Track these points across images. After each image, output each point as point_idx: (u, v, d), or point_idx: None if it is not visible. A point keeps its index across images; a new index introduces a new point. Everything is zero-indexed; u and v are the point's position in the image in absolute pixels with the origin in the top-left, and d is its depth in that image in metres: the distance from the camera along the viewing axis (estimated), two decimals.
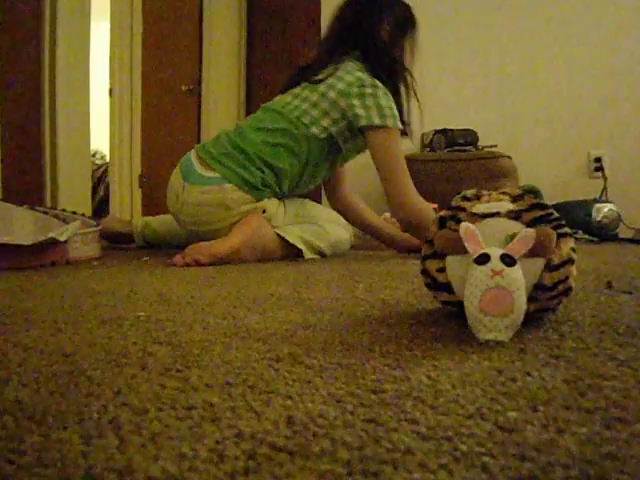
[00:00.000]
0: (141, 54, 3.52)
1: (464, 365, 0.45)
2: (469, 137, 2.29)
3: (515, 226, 0.56)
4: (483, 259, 0.52)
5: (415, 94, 1.50)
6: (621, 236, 2.03)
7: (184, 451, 0.29)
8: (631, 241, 1.94)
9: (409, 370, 0.43)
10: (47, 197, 2.27)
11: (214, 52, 3.02)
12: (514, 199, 0.59)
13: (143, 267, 1.24)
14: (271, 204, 1.38)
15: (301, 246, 1.36)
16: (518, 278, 0.51)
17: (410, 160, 2.24)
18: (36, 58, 2.25)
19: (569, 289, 0.58)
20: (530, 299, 0.54)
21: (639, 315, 0.64)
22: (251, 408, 0.36)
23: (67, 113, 2.31)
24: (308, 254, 1.38)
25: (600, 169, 2.47)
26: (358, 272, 1.09)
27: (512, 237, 0.54)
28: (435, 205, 1.67)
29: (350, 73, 1.39)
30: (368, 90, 1.37)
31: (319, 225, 1.44)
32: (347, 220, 1.66)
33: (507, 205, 0.58)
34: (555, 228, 0.56)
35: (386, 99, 1.38)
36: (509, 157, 2.21)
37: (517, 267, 0.51)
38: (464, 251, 0.55)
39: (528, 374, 0.42)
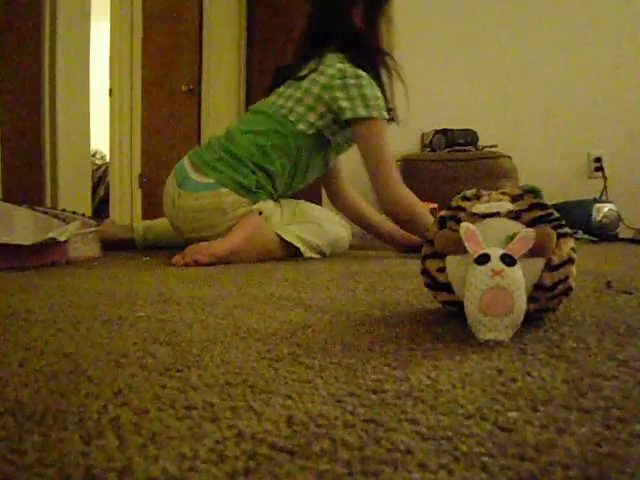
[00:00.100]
0: (141, 54, 3.52)
1: (464, 365, 0.45)
2: (469, 137, 2.29)
3: (515, 226, 0.56)
4: (483, 259, 0.52)
5: (399, 76, 1.50)
6: (621, 236, 2.03)
7: (184, 451, 0.29)
8: (631, 241, 1.94)
9: (409, 370, 0.43)
10: (47, 197, 2.27)
11: (214, 52, 3.02)
12: (514, 199, 0.59)
13: (143, 267, 1.24)
14: (267, 205, 1.38)
15: (299, 244, 1.36)
16: (518, 278, 0.51)
17: (410, 160, 2.25)
18: (36, 58, 2.25)
19: (569, 289, 0.58)
20: (530, 299, 0.54)
21: (639, 315, 0.64)
22: (251, 408, 0.36)
23: (67, 113, 2.31)
24: (307, 252, 1.38)
25: (600, 169, 2.47)
26: (358, 272, 1.09)
27: (512, 237, 0.54)
28: (435, 205, 1.67)
29: (331, 66, 1.39)
30: (351, 81, 1.36)
31: (317, 224, 1.45)
32: (349, 218, 1.67)
33: (507, 205, 0.58)
34: (555, 228, 0.56)
35: (371, 88, 1.37)
36: (509, 157, 2.21)
37: (517, 267, 0.51)
38: (464, 251, 0.55)
39: (528, 374, 0.42)
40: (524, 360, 0.46)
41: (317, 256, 1.42)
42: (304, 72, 1.42)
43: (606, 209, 2.01)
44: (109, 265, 1.29)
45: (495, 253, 0.52)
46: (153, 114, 3.48)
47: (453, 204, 0.62)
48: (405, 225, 1.45)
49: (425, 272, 0.62)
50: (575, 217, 1.98)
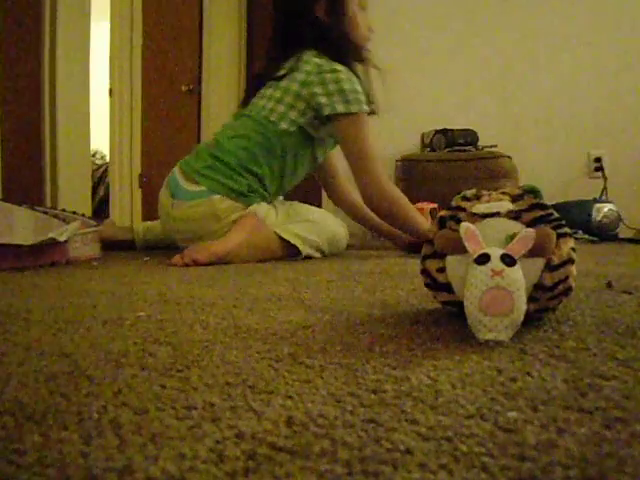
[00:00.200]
0: (141, 54, 3.52)
1: (464, 365, 0.45)
2: (469, 137, 2.29)
3: (515, 226, 0.56)
4: (483, 259, 0.52)
5: (374, 66, 1.49)
6: (621, 236, 2.03)
7: (184, 451, 0.29)
8: (631, 241, 1.94)
9: (409, 370, 0.43)
10: (47, 197, 2.27)
11: (214, 52, 3.02)
12: (514, 199, 0.59)
13: (143, 267, 1.24)
14: (261, 208, 1.38)
15: (296, 241, 1.36)
16: (518, 278, 0.51)
17: (410, 160, 2.25)
18: (36, 58, 2.25)
19: (569, 289, 0.58)
20: (530, 299, 0.54)
21: (639, 315, 0.64)
22: (251, 408, 0.36)
23: (67, 113, 2.31)
24: (305, 250, 1.38)
25: (600, 169, 2.47)
26: (358, 272, 1.09)
27: (512, 237, 0.54)
28: (435, 205, 1.67)
29: (308, 62, 1.39)
30: (328, 75, 1.35)
31: (313, 222, 1.45)
32: (349, 217, 1.68)
33: (507, 205, 0.58)
34: (555, 228, 0.56)
35: (349, 83, 1.36)
36: (509, 157, 2.21)
37: (517, 267, 0.51)
38: (464, 251, 0.55)
39: (528, 374, 0.42)
40: (524, 360, 0.46)
41: (316, 254, 1.42)
42: (283, 71, 1.42)
43: (606, 209, 2.01)
44: (109, 265, 1.29)
45: (495, 253, 0.52)
46: (153, 114, 3.48)
47: (453, 204, 0.62)
48: (389, 220, 1.45)
49: (425, 272, 0.62)
50: (575, 217, 1.98)
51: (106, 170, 4.02)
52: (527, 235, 0.54)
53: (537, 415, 0.34)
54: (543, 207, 0.58)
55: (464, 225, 0.56)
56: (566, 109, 2.51)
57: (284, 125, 1.38)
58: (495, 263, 0.51)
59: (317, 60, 1.38)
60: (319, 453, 0.29)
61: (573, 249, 0.58)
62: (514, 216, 0.57)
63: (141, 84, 3.54)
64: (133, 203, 3.59)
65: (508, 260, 0.51)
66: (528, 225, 0.56)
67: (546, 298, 0.56)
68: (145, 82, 3.52)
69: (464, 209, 0.60)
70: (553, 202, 1.99)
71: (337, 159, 1.64)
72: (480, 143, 2.31)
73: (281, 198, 1.57)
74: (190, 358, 0.48)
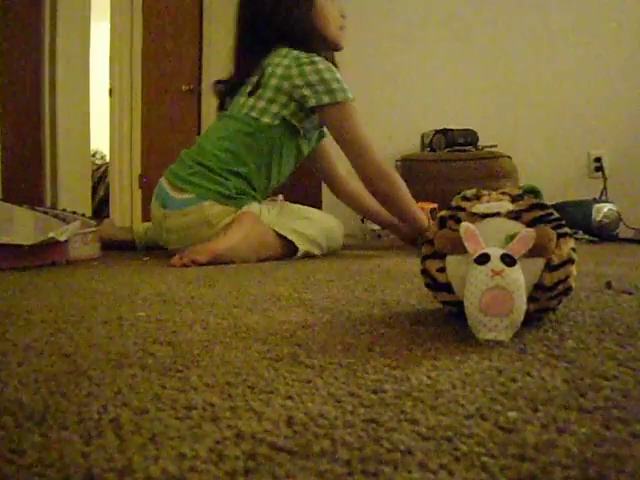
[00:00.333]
0: (141, 54, 3.52)
1: (464, 365, 0.45)
2: (469, 137, 2.29)
3: (515, 226, 0.56)
4: (483, 259, 0.52)
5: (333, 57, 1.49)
6: (621, 236, 2.03)
7: (184, 451, 0.29)
8: (631, 241, 1.93)
9: (409, 370, 0.43)
10: (47, 197, 2.27)
11: (214, 52, 3.02)
12: (514, 199, 0.59)
13: (143, 267, 1.24)
14: (252, 208, 1.38)
15: (292, 237, 1.36)
16: (518, 278, 0.51)
17: (410, 160, 2.25)
18: (36, 58, 2.25)
19: (569, 289, 0.58)
20: (530, 299, 0.54)
21: (639, 315, 0.64)
22: (251, 408, 0.36)
23: (67, 113, 2.31)
24: (303, 245, 1.38)
25: (600, 169, 2.47)
26: (358, 272, 1.09)
27: (512, 237, 0.54)
28: (435, 205, 1.67)
29: (285, 56, 1.38)
30: (307, 67, 1.35)
31: (308, 218, 1.46)
32: (350, 207, 1.70)
33: (507, 205, 0.58)
34: (555, 228, 0.56)
35: (330, 72, 1.36)
36: (509, 157, 2.21)
37: (517, 267, 0.51)
38: (464, 251, 0.55)
39: (528, 374, 0.42)
40: (524, 360, 0.46)
41: (314, 249, 1.41)
42: (261, 69, 1.41)
43: (606, 209, 2.01)
44: (109, 265, 1.29)
45: (495, 253, 0.52)
46: (153, 114, 3.48)
47: (453, 204, 0.62)
48: (387, 203, 1.45)
49: (425, 272, 0.62)
50: (575, 217, 1.98)
51: (106, 170, 4.01)
52: (527, 235, 0.54)
53: (537, 415, 0.34)
54: (543, 207, 0.58)
55: (464, 225, 0.56)
56: (566, 109, 2.52)
57: (267, 119, 1.38)
58: (495, 263, 0.51)
59: (294, 52, 1.38)
60: (319, 453, 0.29)
61: (573, 249, 0.58)
62: (514, 216, 0.57)
63: (141, 84, 3.54)
64: (133, 203, 3.59)
65: (508, 260, 0.51)
66: (528, 225, 0.56)
67: (546, 298, 0.56)
68: (145, 82, 3.52)
69: (464, 209, 0.60)
70: (553, 202, 1.99)
71: (333, 150, 1.63)
72: (480, 143, 2.31)
73: (280, 197, 1.57)
74: (190, 358, 0.48)
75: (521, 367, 0.44)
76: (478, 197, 0.61)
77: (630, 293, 0.78)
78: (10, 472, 0.27)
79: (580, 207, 2.04)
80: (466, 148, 2.26)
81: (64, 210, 1.52)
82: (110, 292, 0.86)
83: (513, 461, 0.28)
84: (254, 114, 1.38)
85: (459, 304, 0.56)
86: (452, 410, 0.35)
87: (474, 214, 0.58)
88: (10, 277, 1.06)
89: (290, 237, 1.36)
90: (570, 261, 0.57)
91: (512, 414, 0.34)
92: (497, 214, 0.57)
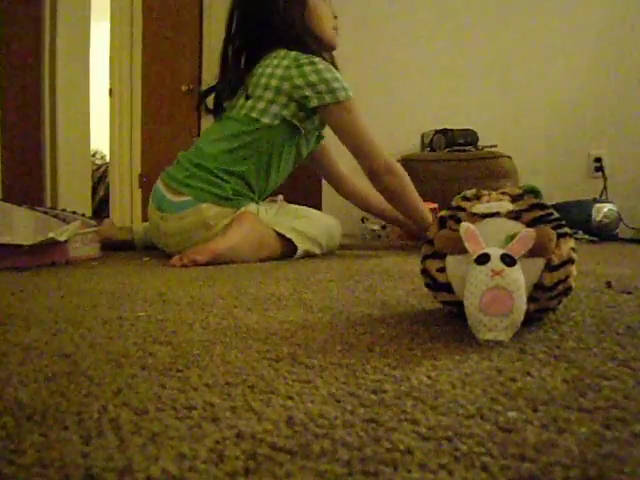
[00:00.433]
0: (141, 54, 3.52)
1: (464, 365, 0.45)
2: (469, 137, 2.29)
3: (515, 226, 0.56)
4: (483, 259, 0.52)
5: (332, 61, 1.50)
6: (621, 236, 2.03)
7: (184, 451, 0.29)
8: (631, 241, 1.94)
9: (409, 370, 0.43)
10: (47, 197, 2.27)
11: (214, 52, 3.01)
12: (514, 199, 0.59)
13: (143, 267, 1.24)
14: (250, 209, 1.38)
15: (291, 235, 1.36)
16: (518, 278, 0.51)
17: (410, 160, 2.25)
18: (36, 58, 2.25)
19: (569, 289, 0.58)
20: (530, 299, 0.54)
21: (639, 315, 0.64)
22: (251, 408, 0.36)
23: (67, 113, 2.31)
24: (302, 243, 1.38)
25: (600, 169, 2.47)
26: (358, 272, 1.09)
27: (512, 237, 0.54)
28: (435, 205, 1.67)
29: (284, 57, 1.38)
30: (307, 67, 1.35)
31: (306, 217, 1.46)
32: (355, 205, 1.71)
33: (507, 205, 0.58)
34: (555, 228, 0.56)
35: (329, 72, 1.36)
36: (509, 157, 2.21)
37: (517, 267, 0.51)
38: (464, 251, 0.55)
39: (528, 374, 0.42)
40: (524, 360, 0.46)
41: (314, 248, 1.41)
42: (260, 69, 1.40)
43: (606, 209, 2.01)
44: (109, 265, 1.29)
45: (495, 253, 0.52)
46: (153, 114, 3.48)
47: (453, 204, 0.62)
48: (394, 200, 1.45)
49: (425, 272, 0.62)
50: (575, 217, 1.98)
51: (106, 170, 4.02)
52: (527, 235, 0.54)
53: (537, 415, 0.34)
54: (543, 207, 0.58)
55: (464, 225, 0.56)
56: (566, 109, 2.52)
57: (266, 120, 1.38)
58: (495, 263, 0.51)
59: (293, 54, 1.38)
60: (319, 453, 0.29)
61: (573, 249, 0.58)
62: (514, 216, 0.57)
63: (141, 84, 3.54)
64: (133, 203, 3.59)
65: (508, 260, 0.51)
66: (528, 225, 0.56)
67: (546, 298, 0.56)
68: (145, 82, 3.52)
69: (464, 209, 0.60)
70: (553, 202, 1.99)
71: (333, 150, 1.64)
72: (480, 143, 2.31)
73: (280, 197, 1.57)
74: (190, 358, 0.48)
75: (521, 367, 0.44)
76: (478, 197, 0.61)
77: (630, 293, 0.78)
78: (10, 472, 0.27)
79: (580, 207, 2.04)
80: (466, 148, 2.26)
81: (64, 210, 1.52)
82: (110, 292, 0.86)
83: (513, 461, 0.28)
84: (254, 115, 1.38)
85: (459, 304, 0.56)
86: (452, 410, 0.35)
87: (474, 214, 0.58)
88: (10, 277, 1.06)
89: (289, 236, 1.36)
90: (570, 261, 0.57)
91: (512, 414, 0.34)
92: (497, 214, 0.57)
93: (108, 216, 3.50)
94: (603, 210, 2.01)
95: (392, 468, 0.27)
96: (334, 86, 1.35)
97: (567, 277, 0.56)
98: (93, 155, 4.27)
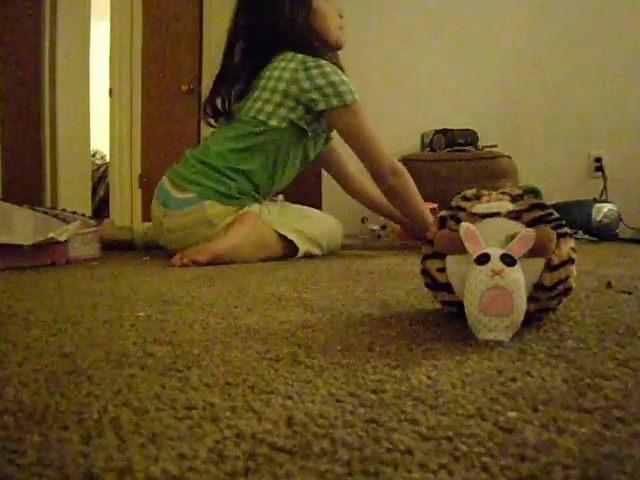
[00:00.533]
0: (141, 54, 3.52)
1: (464, 365, 0.45)
2: (469, 137, 2.29)
3: (515, 226, 0.56)
4: (483, 259, 0.52)
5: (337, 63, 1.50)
6: (621, 236, 2.03)
7: (184, 451, 0.29)
8: (631, 241, 1.94)
9: (409, 370, 0.43)
10: (47, 197, 2.27)
11: (214, 52, 3.01)
12: (514, 199, 0.59)
13: (143, 267, 1.24)
14: (254, 208, 1.38)
15: (292, 236, 1.36)
16: (518, 278, 0.51)
17: (410, 160, 2.25)
18: (36, 58, 2.25)
19: (569, 289, 0.58)
20: (530, 299, 0.54)
21: (639, 315, 0.64)
22: (251, 408, 0.36)
23: (67, 113, 2.31)
24: (303, 244, 1.38)
25: (600, 169, 2.47)
26: (358, 272, 1.09)
27: (512, 237, 0.54)
28: (435, 205, 1.67)
29: (292, 60, 1.39)
30: (314, 71, 1.36)
31: (308, 217, 1.47)
32: (362, 204, 1.73)
33: (507, 205, 0.58)
34: (555, 228, 0.56)
35: (337, 75, 1.37)
36: (509, 157, 2.21)
37: (517, 267, 0.51)
38: (464, 251, 0.55)
39: (528, 374, 0.42)
40: (524, 360, 0.46)
41: (314, 249, 1.42)
42: (268, 72, 1.41)
43: (606, 209, 2.01)
44: (109, 265, 1.29)
45: (495, 253, 0.52)
46: (153, 114, 3.48)
47: (453, 204, 0.62)
48: (398, 201, 1.47)
49: (425, 272, 0.62)
50: (575, 217, 1.98)
51: (106, 170, 4.02)
52: (527, 235, 0.54)
53: (537, 415, 0.34)
54: (543, 207, 0.58)
55: (464, 225, 0.56)
56: (566, 109, 2.51)
57: (274, 122, 1.38)
58: (495, 263, 0.51)
59: (300, 57, 1.38)
60: (319, 453, 0.29)
61: (573, 249, 0.58)
62: (514, 216, 0.57)
63: (141, 84, 3.54)
64: (133, 203, 3.59)
65: (508, 260, 0.51)
66: (528, 225, 0.56)
67: (546, 298, 0.56)
68: (145, 82, 3.52)
69: (464, 209, 0.60)
70: (553, 202, 1.99)
71: (342, 150, 1.65)
72: (480, 143, 2.31)
73: (281, 197, 1.57)
74: (190, 358, 0.48)
75: (521, 367, 0.44)
76: (478, 197, 0.61)
77: (630, 293, 0.78)
78: (10, 472, 0.27)
79: (580, 207, 2.04)
80: (466, 148, 2.26)
81: (64, 210, 1.52)
82: (110, 292, 0.86)
83: (513, 461, 0.28)
84: (262, 117, 1.39)
85: (459, 304, 0.56)
86: (452, 410, 0.35)
87: (474, 214, 0.58)
88: (10, 277, 1.06)
89: (290, 237, 1.36)
90: (570, 261, 0.57)
91: (512, 414, 0.34)
92: (497, 214, 0.57)
93: (108, 216, 3.50)
94: (603, 210, 2.01)
95: (392, 468, 0.27)
96: (341, 89, 1.35)
97: (567, 277, 0.56)
98: (93, 155, 4.27)
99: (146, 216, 3.29)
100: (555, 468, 0.27)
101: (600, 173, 2.46)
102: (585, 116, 2.51)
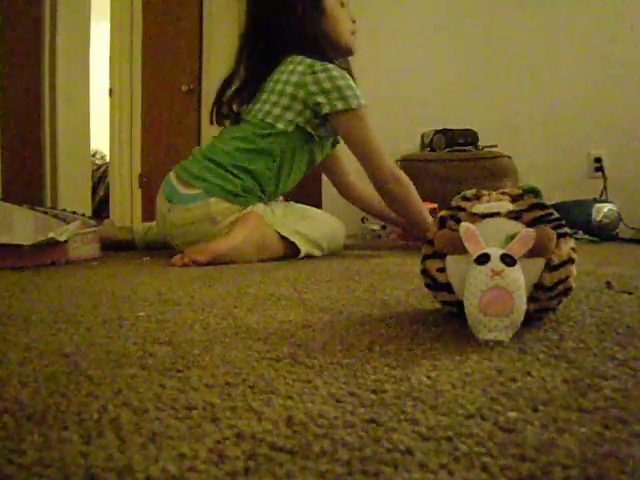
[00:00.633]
0: (141, 54, 3.52)
1: (464, 365, 0.45)
2: (469, 137, 2.29)
3: (515, 226, 0.56)
4: (483, 259, 0.52)
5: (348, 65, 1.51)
6: (621, 236, 2.03)
7: (184, 451, 0.29)
8: (631, 241, 1.93)
9: (409, 370, 0.43)
10: (47, 197, 2.27)
11: (214, 52, 3.02)
12: (514, 199, 0.59)
13: (143, 267, 1.24)
14: (257, 209, 1.38)
15: (295, 238, 1.37)
16: (518, 278, 0.51)
17: (410, 160, 2.25)
18: (36, 58, 2.25)
19: (569, 289, 0.58)
20: (530, 299, 0.54)
21: (639, 315, 0.64)
22: (251, 408, 0.36)
23: (67, 113, 2.31)
24: (305, 247, 1.38)
25: (600, 169, 2.47)
26: (358, 272, 1.09)
27: (512, 237, 0.54)
28: (435, 205, 1.67)
29: (300, 64, 1.39)
30: (322, 74, 1.36)
31: (311, 219, 1.46)
32: (361, 209, 1.73)
33: (507, 205, 0.58)
34: (555, 228, 0.56)
35: (343, 79, 1.37)
36: (509, 157, 2.21)
37: (517, 267, 0.51)
38: (464, 251, 0.55)
39: (528, 374, 0.42)
40: (524, 360, 0.46)
41: (315, 251, 1.42)
42: (276, 75, 1.42)
43: (606, 209, 2.01)
44: (109, 265, 1.29)
45: (495, 253, 0.52)
46: (153, 114, 3.48)
47: (453, 204, 0.62)
48: (400, 208, 1.47)
49: (425, 272, 0.62)
50: (575, 217, 1.98)
51: (106, 170, 4.02)
52: (527, 235, 0.54)
53: (537, 415, 0.34)
54: (543, 207, 0.58)
55: (464, 225, 0.56)
56: (566, 109, 2.51)
57: (281, 125, 1.39)
58: (495, 263, 0.51)
59: (308, 61, 1.39)
60: (319, 453, 0.29)
61: (573, 249, 0.58)
62: (514, 216, 0.57)
63: (141, 84, 3.54)
64: (133, 203, 3.59)
65: (508, 260, 0.51)
66: (528, 225, 0.56)
67: (546, 298, 0.56)
68: (145, 82, 3.52)
69: (464, 209, 0.60)
70: (553, 202, 1.99)
71: (342, 155, 1.65)
72: (480, 143, 2.31)
73: (280, 198, 1.57)
74: (190, 358, 0.48)
75: (521, 367, 0.44)
76: (478, 197, 0.61)
77: (630, 293, 0.78)
78: (10, 472, 0.27)
79: (580, 207, 2.04)
80: (466, 148, 2.26)
81: (64, 210, 1.52)
82: (110, 292, 0.86)
83: (513, 461, 0.28)
84: (269, 120, 1.40)
85: (459, 304, 0.56)
86: (452, 410, 0.35)
87: (474, 214, 0.58)
88: (10, 277, 1.06)
89: (292, 239, 1.37)
90: (570, 261, 0.57)
91: (512, 414, 0.34)
92: (497, 214, 0.57)
93: (108, 216, 3.50)
94: (603, 210, 2.01)
95: (392, 468, 0.27)
96: (347, 94, 1.36)
97: (567, 277, 0.56)
98: (93, 155, 4.27)
99: (146, 216, 3.29)
100: (555, 468, 0.27)
101: (600, 173, 2.46)
102: (585, 116, 2.51)
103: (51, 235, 1.20)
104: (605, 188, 2.42)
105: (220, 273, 1.10)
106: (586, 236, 1.95)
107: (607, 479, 0.26)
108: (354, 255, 1.51)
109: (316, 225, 1.45)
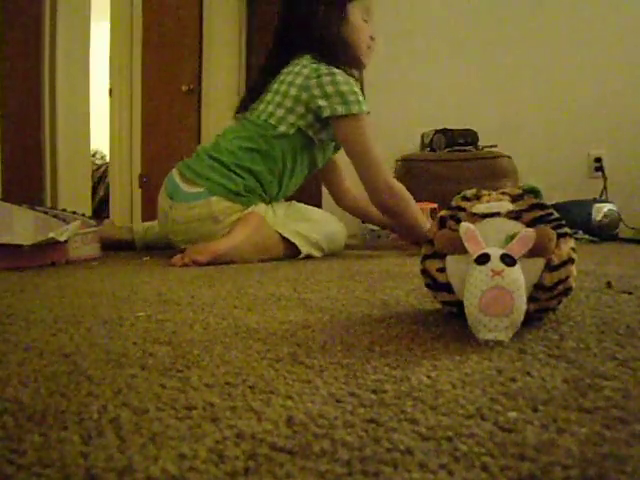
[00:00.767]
0: (141, 54, 3.52)
1: (464, 365, 0.45)
2: (469, 137, 2.29)
3: (515, 226, 0.56)
4: (483, 259, 0.52)
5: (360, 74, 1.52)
6: (621, 236, 2.03)
7: (184, 451, 0.29)
8: (631, 241, 1.93)
9: (409, 370, 0.43)
10: (47, 197, 2.27)
11: (214, 52, 3.01)
12: (514, 199, 0.59)
13: (143, 267, 1.24)
14: (259, 209, 1.38)
15: (295, 239, 1.37)
16: (518, 278, 0.51)
17: (410, 160, 2.25)
18: (36, 58, 2.25)
19: (569, 289, 0.58)
20: (530, 299, 0.54)
21: (639, 315, 0.64)
22: (251, 408, 0.36)
23: (67, 113, 2.31)
24: (305, 248, 1.38)
25: (600, 169, 2.47)
26: (358, 272, 1.09)
27: (512, 237, 0.54)
28: (435, 205, 1.67)
29: (306, 66, 1.40)
30: (326, 78, 1.36)
31: (312, 220, 1.46)
32: (355, 216, 1.73)
33: (507, 205, 0.58)
34: (555, 228, 0.56)
35: (347, 85, 1.37)
36: (509, 157, 2.21)
37: (517, 267, 0.51)
38: (464, 251, 0.55)
39: (528, 374, 0.42)
40: (524, 360, 0.46)
41: (315, 252, 1.42)
42: (282, 76, 1.43)
43: (606, 209, 2.01)
44: (109, 265, 1.29)
45: (495, 253, 0.52)
46: (153, 114, 3.47)
47: (453, 204, 0.62)
48: (395, 218, 1.46)
49: (425, 272, 0.62)
50: (575, 217, 1.98)
51: (106, 170, 4.02)
52: (527, 235, 0.54)
53: (537, 415, 0.34)
54: (543, 207, 0.58)
55: (464, 225, 0.56)
56: (566, 109, 2.51)
57: (283, 128, 1.39)
58: (495, 263, 0.51)
59: (314, 64, 1.39)
60: (319, 453, 0.29)
61: (573, 249, 0.58)
62: (514, 216, 0.57)
63: (141, 84, 3.54)
64: (133, 203, 3.59)
65: (508, 260, 0.51)
66: (528, 225, 0.56)
67: (546, 298, 0.56)
68: (145, 82, 3.52)
69: (464, 209, 0.60)
70: (553, 202, 1.99)
71: (340, 162, 1.65)
72: (480, 143, 2.31)
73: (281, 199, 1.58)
74: (190, 358, 0.48)
75: (521, 367, 0.44)
76: (478, 197, 0.61)
77: (630, 293, 0.78)
78: (10, 472, 0.27)
79: (580, 207, 2.04)
80: (466, 148, 2.26)
81: (64, 210, 1.52)
82: (110, 292, 0.86)
83: (513, 461, 0.28)
84: (272, 121, 1.40)
85: (459, 304, 0.56)
86: (452, 410, 0.35)
87: (474, 214, 0.58)
88: (10, 277, 1.06)
89: (293, 240, 1.37)
90: (570, 261, 0.57)
91: (512, 414, 0.34)
92: (497, 214, 0.57)
93: (108, 216, 3.50)
94: (603, 210, 2.01)
95: (392, 468, 0.27)
96: (349, 99, 1.36)
97: (567, 277, 0.56)
98: (93, 155, 4.27)
99: (146, 216, 3.29)
100: (555, 468, 0.27)
101: (600, 173, 2.46)
102: (585, 116, 2.51)
103: (51, 235, 1.20)
104: (605, 188, 2.42)
105: (220, 273, 1.10)
106: (586, 236, 1.95)
107: (607, 479, 0.26)
108: (354, 255, 1.51)
109: (317, 226, 1.45)
